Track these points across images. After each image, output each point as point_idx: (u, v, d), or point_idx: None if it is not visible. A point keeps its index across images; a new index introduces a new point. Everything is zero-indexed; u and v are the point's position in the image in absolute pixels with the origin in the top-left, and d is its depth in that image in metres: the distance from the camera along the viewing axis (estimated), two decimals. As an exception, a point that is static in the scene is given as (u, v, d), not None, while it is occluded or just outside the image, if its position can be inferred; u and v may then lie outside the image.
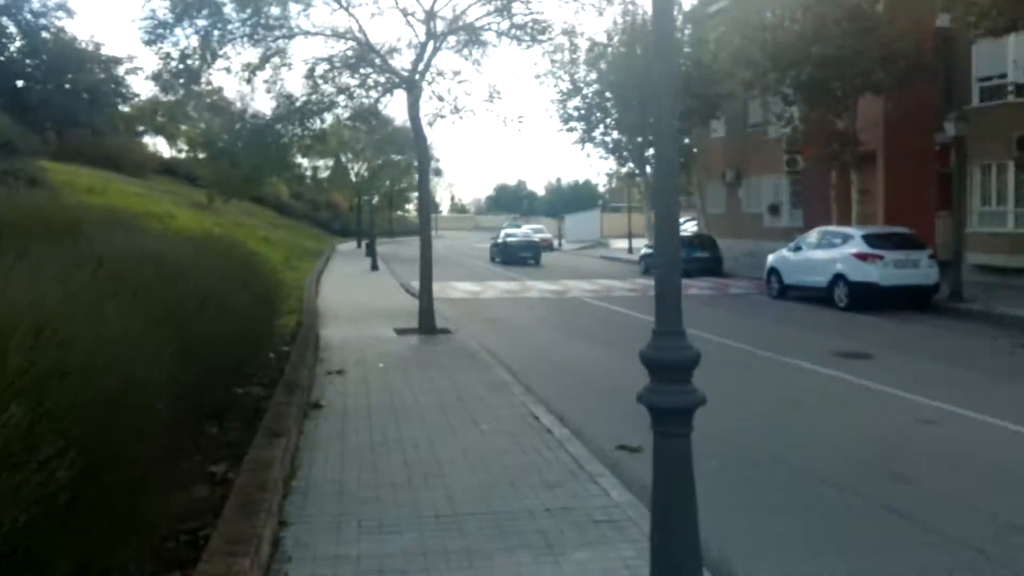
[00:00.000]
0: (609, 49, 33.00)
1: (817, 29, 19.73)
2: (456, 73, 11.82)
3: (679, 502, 3.14)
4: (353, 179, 54.67)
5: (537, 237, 44.06)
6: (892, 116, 22.54)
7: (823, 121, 22.27)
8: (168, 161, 50.12)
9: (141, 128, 50.71)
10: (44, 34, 35.86)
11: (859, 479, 5.68)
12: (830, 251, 17.89)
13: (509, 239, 37.98)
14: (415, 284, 23.07)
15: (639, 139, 35.68)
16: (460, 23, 11.36)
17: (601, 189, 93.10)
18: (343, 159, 60.54)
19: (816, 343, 12.09)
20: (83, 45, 38.35)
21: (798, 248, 19.61)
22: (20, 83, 36.19)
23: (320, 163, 65.28)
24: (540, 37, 11.26)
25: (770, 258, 21.03)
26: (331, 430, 6.45)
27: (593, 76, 35.86)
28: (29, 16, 35.18)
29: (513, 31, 11.14)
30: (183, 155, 50.40)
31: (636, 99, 31.00)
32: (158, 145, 56.59)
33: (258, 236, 37.67)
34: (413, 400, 7.56)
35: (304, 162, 61.78)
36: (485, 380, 8.54)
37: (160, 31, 10.27)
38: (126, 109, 45.90)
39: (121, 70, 41.55)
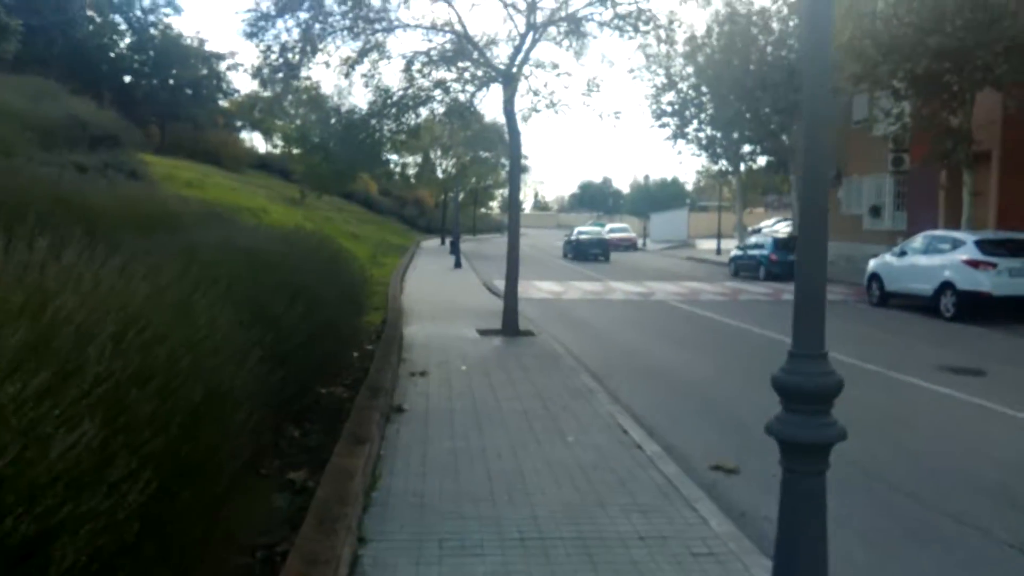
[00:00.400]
0: (709, 41, 32.09)
1: (936, 20, 18.47)
2: (555, 66, 11.54)
3: (808, 549, 2.76)
4: (440, 175, 55.28)
5: (610, 235, 44.65)
6: (1012, 113, 20.99)
7: (935, 117, 20.93)
8: (263, 156, 51.79)
9: (239, 123, 52.44)
10: (152, 30, 37.43)
11: (980, 511, 5.13)
12: (938, 257, 16.78)
13: (581, 236, 40.01)
14: (498, 283, 23.03)
15: (735, 135, 34.63)
16: (562, 13, 11.06)
17: (689, 187, 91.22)
18: (432, 156, 61.43)
19: (923, 356, 11.28)
20: (188, 41, 39.90)
21: (903, 253, 18.49)
22: (127, 78, 37.96)
23: (409, 159, 66.69)
24: (643, 27, 10.84)
25: (872, 263, 19.92)
26: (413, 435, 6.29)
27: (689, 70, 35.01)
28: (139, 12, 36.80)
29: (615, 21, 10.78)
30: (278, 151, 51.81)
31: (734, 93, 30.04)
32: (254, 140, 58.66)
33: (346, 231, 38.47)
34: (496, 405, 7.34)
35: (394, 158, 63.10)
36: (570, 386, 8.25)
37: (262, 24, 10.39)
38: (226, 104, 47.55)
39: (223, 66, 43.04)
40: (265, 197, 34.86)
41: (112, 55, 36.01)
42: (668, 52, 35.61)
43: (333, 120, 11.61)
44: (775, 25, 30.46)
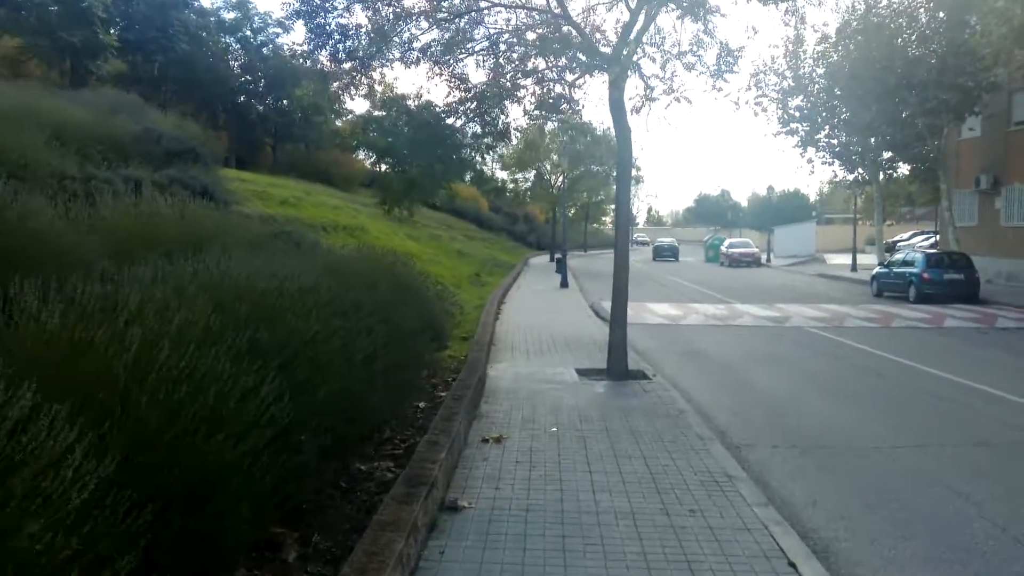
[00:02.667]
0: (846, 36, 28.74)
1: None
2: (675, 44, 9.28)
3: None
4: (552, 191, 53.57)
5: (731, 250, 44.85)
6: None
7: None
8: (376, 174, 51.58)
9: (355, 143, 52.66)
10: (264, 51, 37.59)
11: None
12: None
13: (656, 244, 53.79)
14: (605, 304, 20.66)
15: (873, 140, 30.93)
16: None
17: (813, 199, 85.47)
18: (544, 172, 59.90)
19: None
20: (299, 61, 39.91)
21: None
22: (241, 98, 38.30)
23: (519, 175, 65.50)
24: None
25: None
26: (464, 561, 4.22)
27: (820, 71, 31.66)
28: (248, 33, 36.99)
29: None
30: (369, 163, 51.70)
31: (874, 94, 26.57)
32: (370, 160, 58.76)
33: (452, 249, 37.21)
34: (592, 504, 5.17)
35: (498, 172, 62.13)
36: (698, 467, 5.96)
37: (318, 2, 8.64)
38: (340, 124, 47.60)
39: (335, 85, 42.87)
40: (368, 215, 34.10)
41: (223, 76, 36.27)
42: (796, 51, 32.47)
43: (404, 118, 9.80)
44: (922, 16, 26.81)
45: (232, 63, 38.11)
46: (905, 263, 23.92)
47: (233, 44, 37.86)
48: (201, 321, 3.75)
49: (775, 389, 9.94)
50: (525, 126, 11.16)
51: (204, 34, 34.20)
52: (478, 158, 12.01)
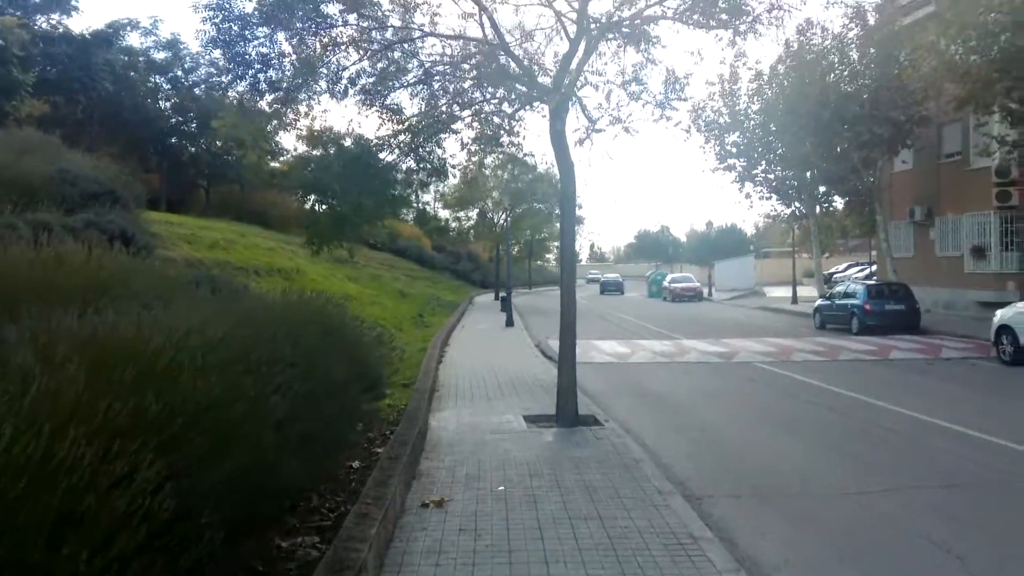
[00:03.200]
0: (779, 74, 29.35)
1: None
2: (619, 74, 8.91)
3: None
4: (495, 229, 53.31)
5: (674, 285, 45.51)
6: None
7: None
8: (304, 212, 50.39)
9: (277, 181, 51.43)
10: (196, 91, 36.62)
11: None
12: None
13: (603, 279, 62.22)
14: (552, 343, 20.17)
15: (809, 174, 31.51)
16: (625, 12, 8.48)
17: (750, 233, 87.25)
18: (487, 210, 59.69)
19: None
20: (232, 100, 38.97)
21: (1047, 301, 15.15)
22: (172, 140, 37.09)
23: (462, 214, 65.16)
24: (734, 20, 8.18)
25: (1000, 313, 16.53)
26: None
27: (755, 107, 32.24)
28: (180, 73, 35.97)
29: (690, 14, 8.13)
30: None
31: (807, 129, 27.06)
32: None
33: (394, 289, 36.46)
34: None
35: (440, 211, 61.72)
36: (661, 529, 5.41)
37: (234, 28, 7.97)
38: (276, 164, 46.58)
39: (281, 135, 41.99)
40: (306, 256, 33.10)
41: (153, 116, 35.10)
42: (731, 90, 33.06)
43: (332, 150, 9.20)
44: (853, 53, 27.57)
45: (163, 103, 36.96)
46: (847, 295, 24.12)
47: (164, 84, 36.76)
48: (69, 390, 3.08)
49: (730, 430, 9.52)
50: (464, 162, 10.61)
51: (132, 74, 33.05)
52: (413, 195, 11.36)
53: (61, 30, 30.32)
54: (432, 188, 63.99)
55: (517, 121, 9.19)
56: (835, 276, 43.24)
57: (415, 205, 49.37)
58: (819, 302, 26.38)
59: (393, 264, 49.16)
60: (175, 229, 20.83)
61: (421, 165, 9.42)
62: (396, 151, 8.92)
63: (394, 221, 58.54)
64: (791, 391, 12.47)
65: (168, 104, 37.18)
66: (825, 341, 20.47)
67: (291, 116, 9.20)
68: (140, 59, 34.35)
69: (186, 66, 35.93)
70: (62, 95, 26.70)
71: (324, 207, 10.14)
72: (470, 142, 9.31)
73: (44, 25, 30.13)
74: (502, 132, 9.16)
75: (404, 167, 9.32)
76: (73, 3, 31.35)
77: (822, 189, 33.07)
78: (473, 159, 10.28)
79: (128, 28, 33.35)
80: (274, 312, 7.55)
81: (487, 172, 49.19)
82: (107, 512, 2.57)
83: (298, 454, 5.02)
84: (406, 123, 8.92)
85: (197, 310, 6.04)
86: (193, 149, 37.92)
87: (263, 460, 4.05)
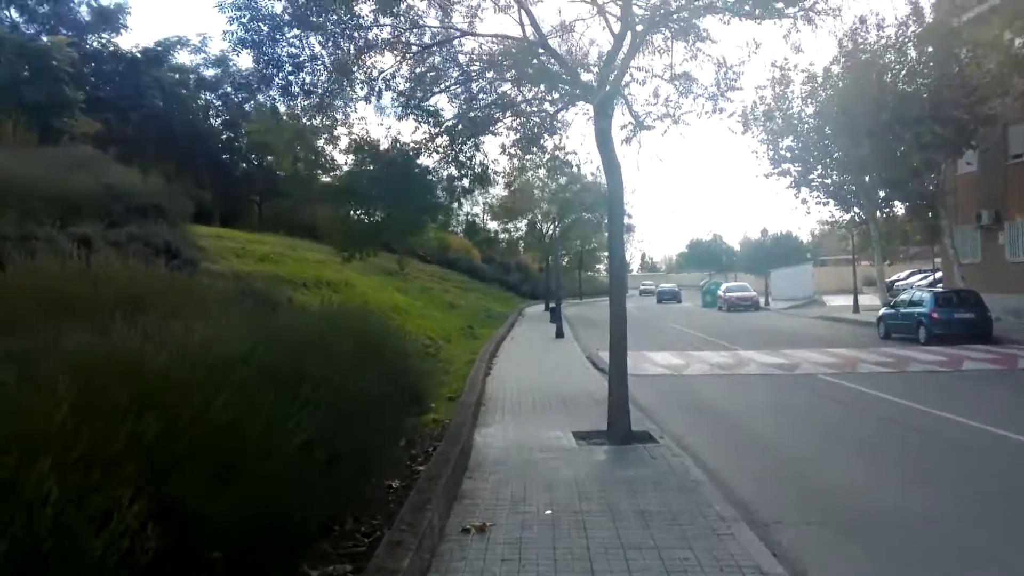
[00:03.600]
0: (835, 75, 28.33)
1: None
2: (667, 68, 8.39)
3: None
4: (545, 240, 52.88)
5: (729, 295, 44.16)
6: None
7: None
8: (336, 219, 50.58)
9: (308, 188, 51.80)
10: (246, 107, 37.08)
11: None
12: None
13: (660, 288, 60.94)
14: (603, 355, 19.55)
15: (867, 178, 30.30)
16: (672, 3, 7.99)
17: (805, 240, 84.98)
18: (536, 221, 59.32)
19: None
20: (264, 105, 39.41)
21: None
22: (224, 156, 37.60)
23: (511, 225, 64.96)
24: (789, 8, 7.63)
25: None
26: None
27: (808, 111, 31.18)
28: (229, 89, 36.47)
29: (742, 5, 7.61)
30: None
31: (866, 131, 25.99)
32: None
33: (444, 301, 36.25)
34: (598, 616, 4.09)
35: (489, 222, 61.59)
36: (725, 562, 4.87)
37: (260, 28, 7.69)
38: (327, 179, 46.97)
39: (320, 141, 42.41)
40: (359, 269, 33.14)
41: (204, 133, 35.65)
42: (783, 93, 32.05)
43: (363, 156, 8.87)
44: (911, 51, 26.43)
45: (214, 120, 37.54)
46: (913, 303, 23.00)
47: (215, 101, 37.34)
48: (57, 415, 2.74)
49: (797, 448, 8.87)
50: (507, 168, 10.21)
51: (183, 91, 33.61)
52: (456, 203, 10.96)
53: (111, 48, 31.03)
54: (480, 199, 63.98)
55: (559, 123, 8.76)
56: (897, 284, 41.60)
57: (460, 214, 49.19)
58: (883, 311, 25.25)
59: (443, 276, 49.10)
60: (224, 243, 20.92)
61: (463, 172, 9.03)
62: (435, 155, 8.59)
63: (443, 233, 58.75)
64: (858, 405, 11.70)
65: (219, 121, 37.74)
66: (891, 351, 19.45)
67: (326, 122, 8.91)
68: (190, 76, 34.98)
69: (236, 83, 36.46)
70: (113, 113, 27.22)
71: (359, 213, 9.82)
72: (510, 144, 8.90)
73: (95, 44, 30.89)
74: (543, 133, 8.72)
75: (445, 174, 8.95)
76: (123, 21, 32.16)
77: (882, 193, 31.75)
78: (514, 163, 9.84)
79: (178, 46, 33.97)
80: (309, 324, 7.25)
81: (533, 181, 48.98)
82: (78, 555, 2.20)
83: (327, 476, 4.66)
84: (443, 124, 8.54)
85: (226, 324, 5.74)
86: (244, 165, 38.38)
87: (282, 485, 3.66)
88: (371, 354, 7.60)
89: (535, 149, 9.28)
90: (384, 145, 8.73)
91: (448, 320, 28.46)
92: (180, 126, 32.06)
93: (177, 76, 33.18)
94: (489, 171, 9.33)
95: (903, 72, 26.43)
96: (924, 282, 41.04)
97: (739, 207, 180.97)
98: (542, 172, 30.34)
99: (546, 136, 8.81)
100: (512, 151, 9.17)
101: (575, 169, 29.64)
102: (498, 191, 41.36)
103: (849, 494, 6.86)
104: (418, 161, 8.56)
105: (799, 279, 54.83)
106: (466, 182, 9.16)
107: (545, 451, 8.23)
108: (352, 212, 9.95)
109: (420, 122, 8.60)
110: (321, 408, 4.73)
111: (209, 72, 36.58)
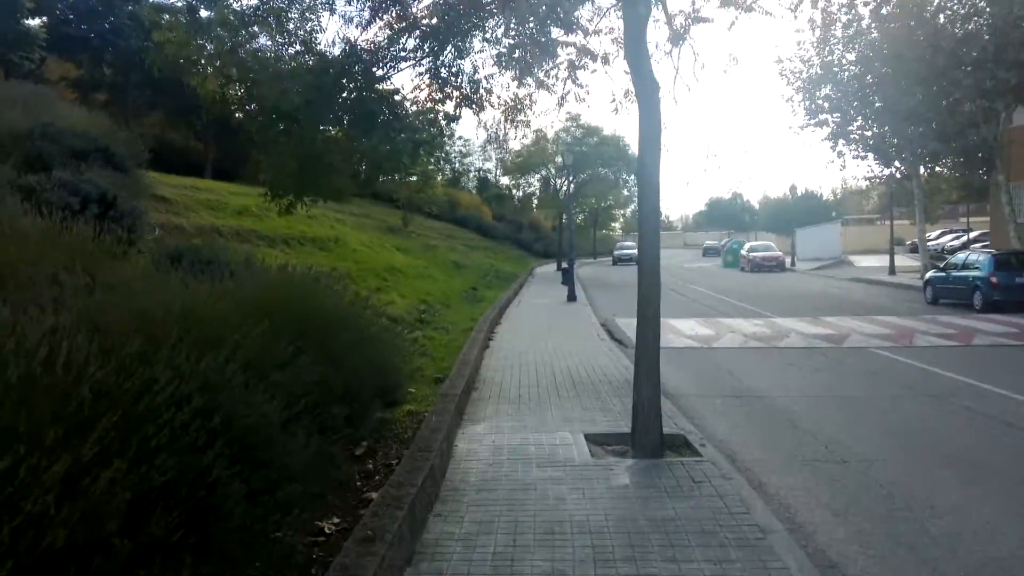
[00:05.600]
0: (883, 19, 25.44)
1: None
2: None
3: None
4: (559, 197, 50.44)
5: (752, 254, 41.75)
6: None
7: None
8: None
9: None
10: (240, 52, 34.57)
11: None
12: None
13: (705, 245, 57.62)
14: (620, 322, 17.42)
15: (911, 130, 27.55)
16: None
17: (828, 199, 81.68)
18: (549, 175, 56.78)
19: None
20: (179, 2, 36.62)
21: None
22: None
23: (523, 181, 62.48)
24: None
25: None
26: None
27: (850, 57, 28.35)
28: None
29: None
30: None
31: (918, 78, 23.29)
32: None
33: (448, 260, 34.07)
34: None
35: (501, 178, 59.09)
36: None
37: None
38: (333, 132, 44.47)
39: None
40: (355, 225, 30.98)
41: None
42: (826, 36, 29.16)
43: (299, 59, 6.60)
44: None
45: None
46: (966, 266, 20.62)
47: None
48: None
49: (882, 462, 6.69)
50: (509, 92, 7.78)
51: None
52: (438, 136, 8.60)
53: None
54: (492, 154, 61.04)
55: (576, 23, 6.41)
56: (929, 244, 38.94)
57: (444, 156, 45.58)
58: (931, 273, 22.87)
59: (451, 234, 46.89)
60: (198, 195, 18.80)
61: (444, 91, 6.75)
62: (401, 63, 6.31)
63: (451, 190, 56.29)
64: (936, 392, 9.50)
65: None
66: (948, 320, 17.19)
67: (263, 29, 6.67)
68: (177, 16, 32.42)
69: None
70: (85, 53, 24.82)
71: (284, 139, 7.54)
72: (506, 51, 6.54)
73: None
74: (551, 27, 6.37)
75: (423, 96, 6.67)
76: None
77: (929, 147, 29.02)
78: (518, 90, 7.45)
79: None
80: (231, 301, 5.15)
81: (548, 133, 46.23)
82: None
83: (214, 537, 2.59)
84: (413, 19, 6.21)
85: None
86: (239, 115, 36.03)
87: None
88: (314, 340, 5.54)
89: (546, 61, 6.84)
90: (335, 51, 6.48)
91: (451, 281, 26.37)
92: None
93: (155, 13, 30.61)
94: (480, 88, 7.00)
95: (962, 11, 23.64)
96: (957, 242, 38.38)
97: (761, 166, 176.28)
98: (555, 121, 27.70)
99: (560, 34, 6.43)
100: (512, 61, 6.73)
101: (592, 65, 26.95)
102: (492, 111, 38.73)
103: (985, 544, 4.72)
104: (375, 71, 6.27)
105: (826, 239, 52.21)
106: (450, 106, 6.84)
107: (547, 466, 6.12)
108: (280, 139, 7.73)
109: (379, 13, 6.22)
110: (201, 432, 2.63)
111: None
